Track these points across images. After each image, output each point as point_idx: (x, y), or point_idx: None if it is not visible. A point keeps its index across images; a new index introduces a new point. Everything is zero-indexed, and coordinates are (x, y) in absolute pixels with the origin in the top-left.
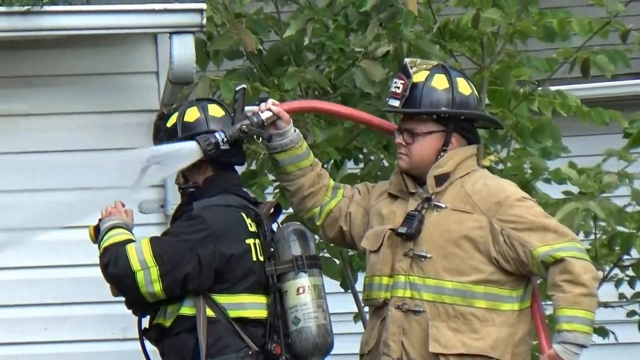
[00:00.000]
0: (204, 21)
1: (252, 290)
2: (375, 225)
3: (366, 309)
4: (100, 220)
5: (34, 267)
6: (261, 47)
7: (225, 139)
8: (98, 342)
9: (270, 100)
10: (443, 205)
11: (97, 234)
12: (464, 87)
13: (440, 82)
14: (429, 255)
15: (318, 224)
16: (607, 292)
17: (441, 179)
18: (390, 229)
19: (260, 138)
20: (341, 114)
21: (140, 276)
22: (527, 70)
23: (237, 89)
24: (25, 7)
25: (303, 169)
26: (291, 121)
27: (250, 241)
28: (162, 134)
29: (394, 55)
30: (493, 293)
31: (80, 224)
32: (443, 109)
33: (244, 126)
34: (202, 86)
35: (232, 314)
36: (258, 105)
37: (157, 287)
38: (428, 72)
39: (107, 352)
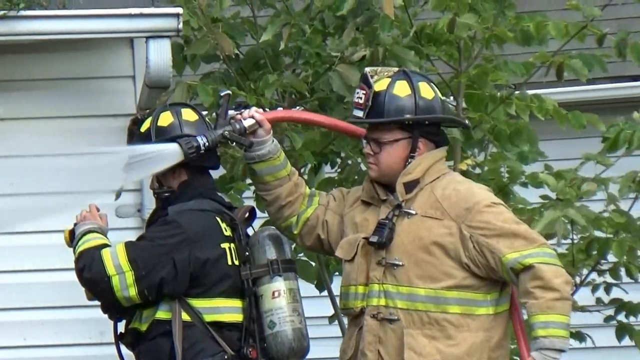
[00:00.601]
0: (180, 25)
1: (228, 294)
2: (349, 233)
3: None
4: (75, 224)
5: (11, 271)
6: (238, 52)
7: (207, 143)
8: (75, 346)
9: (254, 108)
10: (413, 212)
11: (72, 238)
12: (427, 92)
13: (402, 89)
14: (401, 263)
15: (295, 232)
16: (585, 296)
17: (411, 186)
18: (364, 238)
19: (240, 145)
20: (323, 124)
21: (115, 280)
22: (504, 74)
23: (222, 94)
24: (2, 12)
25: (280, 179)
26: (271, 131)
27: (225, 245)
28: (136, 139)
29: (370, 60)
30: (466, 298)
31: (55, 228)
32: (407, 116)
33: (226, 132)
34: (180, 91)
35: (208, 318)
36: (236, 109)
37: (133, 292)
38: (389, 80)
39: (84, 357)
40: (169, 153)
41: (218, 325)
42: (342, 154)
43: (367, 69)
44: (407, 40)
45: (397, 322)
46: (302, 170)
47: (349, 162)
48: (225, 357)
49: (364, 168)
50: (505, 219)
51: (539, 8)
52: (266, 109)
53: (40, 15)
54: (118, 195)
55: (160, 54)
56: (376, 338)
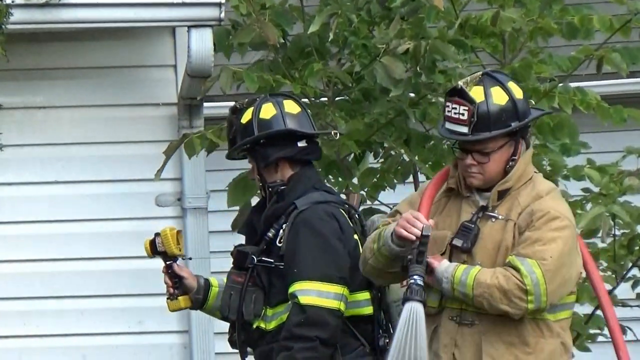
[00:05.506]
0: (222, 14)
1: (362, 286)
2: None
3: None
4: (156, 235)
5: (49, 259)
6: (284, 40)
7: (424, 278)
8: (114, 335)
9: (421, 216)
10: (498, 216)
11: (153, 248)
12: (517, 92)
13: (499, 96)
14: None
15: None
16: (626, 291)
17: (503, 193)
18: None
19: None
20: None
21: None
22: (548, 67)
23: (424, 234)
24: (44, 0)
25: None
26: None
27: (356, 236)
28: (236, 129)
29: (413, 53)
30: None
31: (94, 217)
32: (513, 124)
33: (428, 259)
34: (225, 77)
35: (347, 312)
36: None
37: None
38: (482, 88)
39: (123, 345)
40: (418, 313)
41: (355, 320)
42: (386, 144)
43: (460, 82)
44: (452, 32)
45: (475, 326)
46: (346, 159)
47: (392, 152)
48: (367, 350)
49: (406, 159)
50: (551, 227)
51: (583, 1)
52: None
53: (83, 3)
54: (159, 175)
55: (202, 43)
56: (452, 341)
